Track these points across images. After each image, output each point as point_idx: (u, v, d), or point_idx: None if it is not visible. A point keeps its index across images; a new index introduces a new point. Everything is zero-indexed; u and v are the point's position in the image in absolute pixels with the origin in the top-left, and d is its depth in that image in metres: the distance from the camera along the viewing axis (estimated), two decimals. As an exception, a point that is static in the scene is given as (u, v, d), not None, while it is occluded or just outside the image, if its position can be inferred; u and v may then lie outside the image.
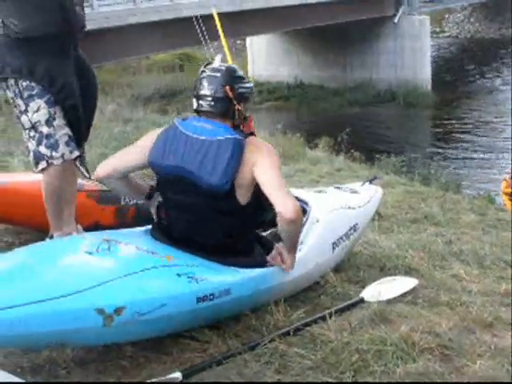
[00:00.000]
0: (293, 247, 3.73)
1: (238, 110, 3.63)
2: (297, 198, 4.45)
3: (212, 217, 3.54)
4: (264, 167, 3.46)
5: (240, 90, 3.63)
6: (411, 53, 43.52)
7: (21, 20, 4.06)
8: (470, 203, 10.76)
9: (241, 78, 3.69)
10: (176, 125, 3.62)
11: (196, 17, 10.86)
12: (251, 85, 3.78)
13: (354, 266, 4.85)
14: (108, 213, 5.04)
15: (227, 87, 3.56)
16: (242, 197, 3.49)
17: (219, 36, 9.79)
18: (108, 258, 3.20)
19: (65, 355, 3.14)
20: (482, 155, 28.91)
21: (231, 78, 3.62)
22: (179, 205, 3.62)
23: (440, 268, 5.52)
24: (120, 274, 3.05)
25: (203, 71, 3.68)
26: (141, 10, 27.32)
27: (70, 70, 4.27)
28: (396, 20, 44.84)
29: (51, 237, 4.34)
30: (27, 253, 3.30)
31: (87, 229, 4.51)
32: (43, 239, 4.27)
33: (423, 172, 16.66)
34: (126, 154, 3.88)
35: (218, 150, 3.43)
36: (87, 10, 17.44)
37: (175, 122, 3.66)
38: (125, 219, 5.02)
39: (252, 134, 7.70)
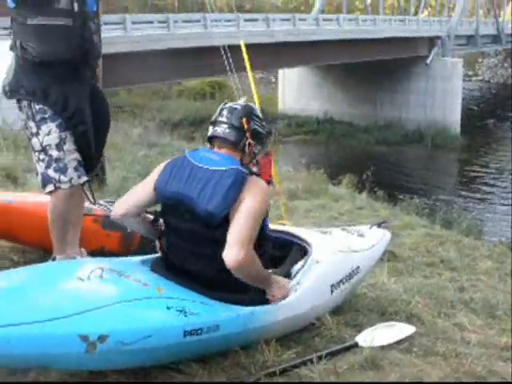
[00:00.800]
0: (262, 285, 3.74)
1: (249, 144, 3.72)
2: (298, 237, 4.47)
3: (207, 246, 3.57)
4: (243, 206, 3.49)
5: (255, 127, 3.76)
6: (442, 94, 43.47)
7: (39, 44, 4.13)
8: (490, 250, 10.63)
9: (259, 118, 3.82)
10: (185, 155, 3.74)
11: (223, 46, 10.87)
12: (268, 129, 3.90)
13: (353, 309, 4.79)
14: (113, 239, 5.04)
15: (244, 119, 3.70)
16: None
17: (250, 66, 9.79)
18: (98, 285, 3.22)
19: (51, 377, 3.18)
20: (506, 202, 28.73)
21: (251, 113, 3.77)
22: (178, 231, 3.68)
23: (444, 315, 5.47)
24: (107, 303, 3.06)
25: (226, 103, 3.86)
26: (174, 35, 27.54)
27: (83, 97, 4.32)
28: (429, 61, 44.91)
29: (54, 259, 4.38)
30: (21, 274, 3.34)
31: (92, 253, 4.54)
32: (47, 259, 4.32)
33: (445, 215, 16.55)
34: (137, 190, 3.94)
35: (219, 179, 3.51)
36: (120, 33, 17.74)
37: (185, 152, 3.77)
38: (130, 246, 5.03)
39: (268, 176, 7.72)
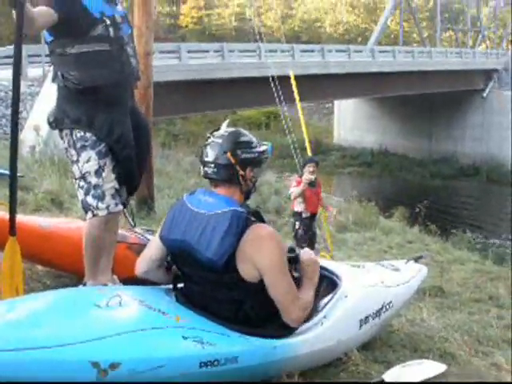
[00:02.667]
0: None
1: (242, 176, 3.62)
2: (328, 270, 4.41)
3: (219, 290, 3.54)
4: (265, 269, 3.45)
5: (244, 156, 3.61)
6: (498, 128, 42.96)
7: (80, 72, 4.20)
8: (541, 288, 10.44)
9: (246, 143, 3.66)
10: (184, 200, 3.70)
11: (273, 77, 10.91)
12: (261, 149, 3.72)
13: (385, 345, 4.70)
14: None
15: (228, 153, 3.57)
16: (248, 274, 3.47)
17: (299, 97, 9.82)
18: (116, 313, 3.23)
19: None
20: None
21: (234, 143, 3.62)
22: (189, 277, 3.67)
23: (482, 354, 5.33)
24: (122, 330, 3.07)
25: (208, 137, 3.72)
26: (228, 65, 27.70)
27: (126, 121, 4.39)
28: (485, 94, 44.46)
29: (84, 284, 4.40)
30: (41, 299, 3.38)
31: (124, 281, 4.55)
32: (81, 284, 4.35)
33: (498, 251, 16.34)
34: (151, 245, 3.96)
35: (215, 224, 3.45)
36: (175, 61, 18.00)
37: (184, 197, 3.73)
38: (164, 274, 5.03)
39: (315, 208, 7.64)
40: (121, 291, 3.43)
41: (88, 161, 4.24)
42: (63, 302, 3.33)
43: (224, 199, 3.57)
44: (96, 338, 2.98)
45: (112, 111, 4.29)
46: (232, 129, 3.74)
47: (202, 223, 3.49)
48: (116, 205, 4.31)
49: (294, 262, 3.86)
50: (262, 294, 3.54)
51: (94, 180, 4.24)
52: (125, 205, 4.61)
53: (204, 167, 3.66)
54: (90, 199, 4.27)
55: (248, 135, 3.72)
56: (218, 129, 3.77)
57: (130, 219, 4.75)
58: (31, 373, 2.83)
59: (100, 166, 4.24)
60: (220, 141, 3.63)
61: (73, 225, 4.91)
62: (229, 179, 3.61)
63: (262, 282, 3.49)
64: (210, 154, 3.61)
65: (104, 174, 4.26)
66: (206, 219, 3.49)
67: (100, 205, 4.24)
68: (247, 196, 3.73)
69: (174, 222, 3.63)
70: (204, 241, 3.44)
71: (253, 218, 3.55)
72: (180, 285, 3.81)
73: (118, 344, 3.01)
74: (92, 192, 4.25)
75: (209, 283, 3.55)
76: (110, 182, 4.29)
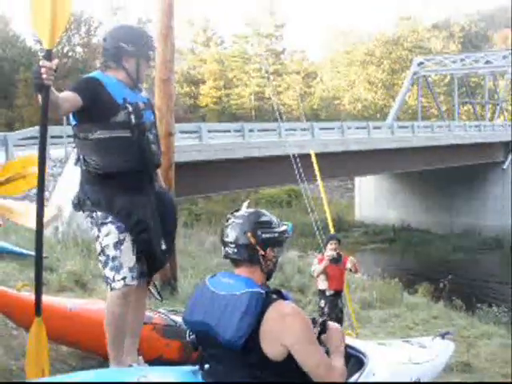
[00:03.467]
0: None
1: (263, 255, 3.60)
2: (355, 349, 4.36)
3: (242, 370, 3.48)
4: (294, 344, 3.41)
5: (264, 236, 3.60)
6: (520, 200, 42.69)
7: (100, 157, 4.31)
8: None
9: (266, 223, 3.66)
10: (205, 282, 3.69)
11: (294, 155, 10.99)
12: (281, 229, 3.71)
13: (415, 422, 4.62)
14: (173, 348, 5.05)
15: (249, 234, 3.57)
16: (273, 352, 3.42)
17: (320, 176, 9.89)
18: None
19: None
20: None
21: (254, 223, 3.61)
22: (213, 358, 3.62)
23: (514, 433, 5.23)
24: None
25: (229, 218, 3.72)
26: (248, 144, 27.94)
27: (147, 205, 4.45)
28: (505, 166, 44.49)
29: (116, 367, 4.39)
30: (70, 380, 3.37)
31: (150, 362, 4.53)
32: (106, 366, 4.33)
33: (525, 324, 16.08)
34: None
35: (234, 305, 3.43)
36: (196, 141, 18.19)
37: (206, 279, 3.71)
38: (189, 355, 4.99)
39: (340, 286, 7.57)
40: (148, 372, 3.40)
41: (108, 234, 4.31)
42: None
43: (244, 280, 3.55)
44: None
45: (131, 195, 4.38)
46: (252, 209, 3.75)
47: (222, 305, 3.48)
48: (133, 278, 4.33)
49: (321, 332, 3.82)
50: (287, 374, 3.49)
51: (112, 252, 4.30)
52: (149, 283, 4.63)
53: (225, 247, 3.64)
54: (107, 271, 4.32)
55: (268, 215, 3.72)
56: (238, 209, 3.77)
57: (157, 294, 4.75)
58: None
59: (119, 240, 4.31)
60: (240, 221, 3.63)
61: (98, 306, 4.91)
62: (249, 259, 3.59)
63: (286, 361, 3.45)
64: (231, 235, 3.60)
65: (122, 247, 4.31)
66: (226, 301, 3.48)
67: (117, 276, 4.28)
68: (269, 276, 3.70)
69: (196, 304, 3.63)
70: (223, 322, 3.42)
71: (274, 296, 3.53)
72: (206, 365, 3.78)
73: None
74: (110, 264, 4.30)
75: (232, 363, 3.51)
76: (128, 254, 4.33)
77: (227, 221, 3.69)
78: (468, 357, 8.82)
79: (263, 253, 3.58)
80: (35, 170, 4.22)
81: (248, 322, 3.35)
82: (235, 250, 3.58)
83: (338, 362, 3.68)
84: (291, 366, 3.46)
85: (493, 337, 11.79)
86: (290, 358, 3.44)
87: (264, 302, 3.41)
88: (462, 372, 7.86)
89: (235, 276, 3.61)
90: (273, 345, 3.39)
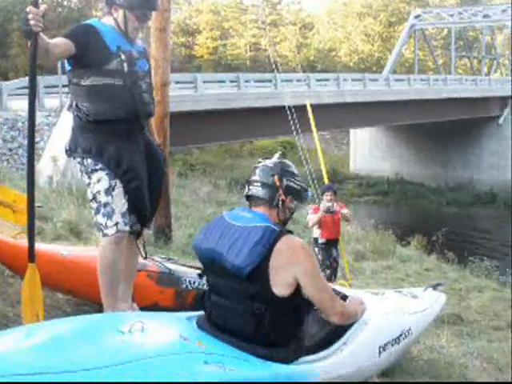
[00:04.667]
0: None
1: (283, 200, 3.76)
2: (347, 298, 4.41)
3: (243, 302, 3.58)
4: (302, 272, 3.57)
5: (288, 183, 3.80)
6: (515, 155, 42.69)
7: (91, 104, 4.30)
8: (560, 317, 10.36)
9: (293, 174, 3.87)
10: (223, 214, 3.83)
11: (289, 106, 10.95)
12: (304, 185, 3.93)
13: (405, 372, 4.68)
14: (167, 295, 5.09)
15: (276, 177, 3.76)
16: (279, 288, 3.53)
17: (315, 126, 9.82)
18: (138, 338, 3.25)
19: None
20: None
21: (282, 170, 3.82)
22: (216, 288, 3.75)
23: (504, 382, 5.30)
24: (145, 356, 3.09)
25: (259, 162, 3.92)
26: (244, 95, 27.80)
27: (137, 154, 4.44)
28: (501, 121, 44.41)
29: (106, 312, 4.41)
30: (65, 324, 3.43)
31: (145, 309, 4.56)
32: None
33: (517, 278, 16.21)
34: None
35: (248, 235, 3.56)
36: (191, 92, 18.05)
37: (223, 214, 3.86)
38: (184, 303, 5.04)
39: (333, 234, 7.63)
40: (143, 317, 3.45)
41: (99, 181, 4.31)
42: (86, 328, 3.36)
43: (260, 216, 3.72)
44: (120, 363, 2.99)
45: (121, 144, 4.37)
46: (282, 159, 3.94)
47: (236, 234, 3.61)
48: (125, 224, 4.34)
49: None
50: (285, 311, 3.59)
51: (104, 198, 4.31)
52: (138, 235, 4.62)
53: (249, 186, 3.84)
54: (99, 218, 4.33)
55: (296, 169, 3.92)
56: (268, 158, 3.97)
57: (142, 250, 4.75)
58: None
59: (110, 186, 4.31)
60: (271, 165, 3.84)
61: (93, 253, 4.91)
62: (270, 201, 3.77)
63: (289, 298, 3.57)
64: (259, 174, 3.82)
65: (114, 193, 4.32)
66: (240, 231, 3.62)
67: (109, 222, 4.29)
68: (283, 225, 3.82)
69: (210, 232, 3.76)
70: (234, 250, 3.55)
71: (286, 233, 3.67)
72: (199, 312, 3.85)
73: (142, 369, 3.02)
74: (102, 210, 4.31)
75: (233, 294, 3.62)
76: (120, 200, 4.34)
77: (257, 164, 3.91)
78: (459, 309, 8.92)
79: (284, 198, 3.77)
80: (24, 208, 4.23)
81: (258, 252, 3.50)
82: (259, 189, 3.79)
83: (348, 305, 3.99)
84: (293, 304, 3.61)
85: (484, 290, 11.92)
86: (293, 296, 3.57)
87: (276, 236, 3.56)
88: (453, 324, 7.95)
89: (253, 211, 3.78)
90: (281, 277, 3.54)
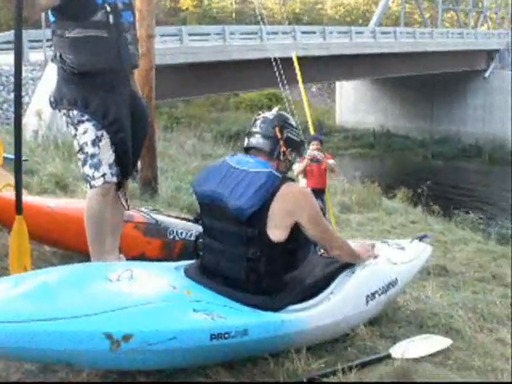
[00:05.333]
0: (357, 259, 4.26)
1: (284, 152, 3.79)
2: None
3: (238, 245, 3.62)
4: (304, 214, 3.66)
5: (289, 135, 3.84)
6: (500, 109, 42.95)
7: (76, 56, 4.25)
8: (544, 267, 10.49)
9: (293, 127, 3.91)
10: (226, 158, 3.87)
11: (275, 59, 10.89)
12: (302, 138, 4.01)
13: (391, 321, 4.72)
14: (154, 246, 5.10)
15: (277, 128, 3.79)
16: (275, 233, 3.59)
17: (301, 78, 9.78)
18: (127, 286, 3.30)
19: (80, 378, 3.25)
20: None
21: (283, 122, 3.86)
22: (212, 231, 3.78)
23: (487, 331, 5.37)
24: (134, 303, 3.14)
25: (259, 114, 3.96)
26: (230, 47, 27.66)
27: (122, 106, 4.41)
28: (487, 74, 44.40)
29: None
30: (53, 273, 3.46)
31: (132, 260, 4.58)
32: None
33: (501, 231, 16.37)
34: None
35: (251, 179, 3.60)
36: (177, 44, 17.82)
37: (226, 157, 3.90)
38: (171, 253, 5.07)
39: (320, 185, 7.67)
40: (131, 266, 3.49)
41: (85, 132, 4.27)
42: (74, 276, 3.40)
43: (264, 163, 3.74)
44: (109, 309, 3.04)
45: (107, 96, 4.32)
46: (283, 112, 3.99)
47: (238, 178, 3.65)
48: (112, 175, 4.33)
49: None
50: (279, 256, 3.65)
51: (90, 150, 4.27)
52: (120, 187, 4.62)
53: (249, 137, 3.87)
54: (86, 169, 4.31)
55: (295, 122, 3.98)
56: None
57: (124, 202, 4.74)
58: (44, 344, 2.89)
59: (97, 137, 4.27)
60: (272, 117, 3.86)
61: (80, 205, 4.90)
62: (270, 152, 3.80)
63: (283, 242, 3.62)
64: (259, 126, 3.84)
65: (101, 144, 4.28)
66: (244, 175, 3.65)
67: (96, 173, 4.27)
68: None
69: (210, 174, 3.80)
70: (236, 193, 3.58)
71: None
72: (192, 261, 3.90)
73: (131, 316, 3.06)
74: (89, 162, 4.29)
75: (229, 237, 3.66)
76: (107, 151, 4.31)
77: (257, 116, 3.94)
78: (444, 261, 9.00)
79: (284, 149, 3.79)
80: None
81: (262, 195, 3.54)
82: (260, 140, 3.82)
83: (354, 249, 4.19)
84: (287, 249, 3.67)
85: (469, 242, 12.01)
86: (287, 242, 3.63)
87: (280, 182, 3.60)
88: (439, 275, 8.01)
89: (256, 158, 3.80)
90: (281, 222, 3.59)
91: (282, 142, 3.78)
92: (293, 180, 3.83)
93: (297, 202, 3.63)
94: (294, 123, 3.93)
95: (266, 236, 3.57)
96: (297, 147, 3.90)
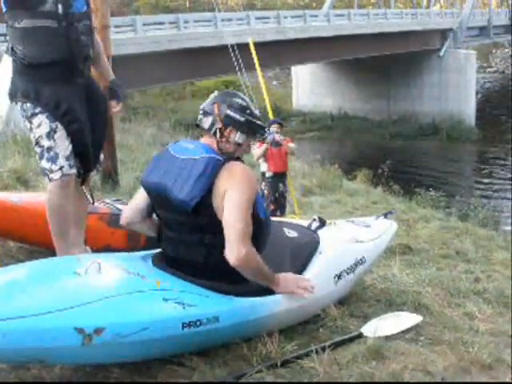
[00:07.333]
0: (266, 281, 3.71)
1: (220, 129, 3.69)
2: (302, 227, 4.46)
3: (192, 233, 3.61)
4: (229, 201, 3.50)
5: (228, 112, 3.71)
6: (456, 87, 43.38)
7: (25, 47, 4.20)
8: (506, 240, 10.64)
9: (238, 105, 3.76)
10: (168, 147, 3.82)
11: (232, 45, 10.87)
12: (255, 121, 3.80)
13: (360, 300, 4.77)
14: (119, 236, 5.05)
15: (215, 104, 3.71)
16: (221, 211, 3.53)
17: (258, 64, 9.77)
18: (96, 279, 3.25)
19: (52, 373, 3.23)
20: (523, 192, 28.51)
21: (226, 99, 3.77)
22: (166, 221, 3.77)
23: (455, 306, 5.41)
24: (104, 296, 3.09)
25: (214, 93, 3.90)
26: (184, 35, 27.58)
27: (75, 97, 4.35)
28: (441, 53, 44.78)
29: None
30: (19, 270, 3.39)
31: (98, 251, 4.54)
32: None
33: (461, 207, 16.53)
34: (136, 196, 4.04)
35: (191, 168, 3.54)
36: (131, 34, 17.68)
37: (169, 145, 3.85)
38: (136, 243, 5.03)
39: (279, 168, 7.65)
40: (99, 258, 3.45)
41: (39, 125, 4.22)
42: (41, 272, 3.33)
43: (203, 147, 3.68)
44: (79, 304, 2.99)
45: (59, 87, 4.27)
46: (237, 92, 3.94)
47: (180, 167, 3.60)
48: (70, 166, 4.27)
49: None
50: None
51: (46, 143, 4.22)
52: (83, 181, 4.58)
53: (199, 115, 3.80)
54: (44, 163, 4.25)
55: (247, 103, 3.82)
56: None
57: (89, 196, 4.70)
58: (16, 342, 2.84)
59: (51, 129, 4.22)
60: (217, 94, 3.82)
61: (43, 198, 4.87)
62: (209, 129, 3.72)
63: None
64: (205, 103, 3.77)
65: (56, 136, 4.23)
66: (184, 164, 3.59)
67: (54, 167, 4.22)
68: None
69: (155, 166, 3.74)
70: (179, 184, 3.53)
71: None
72: (159, 249, 3.87)
73: (101, 309, 3.03)
74: (46, 155, 4.23)
75: (182, 227, 3.64)
76: (62, 144, 4.25)
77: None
78: (408, 239, 9.07)
79: (220, 126, 3.68)
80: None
81: (202, 183, 3.48)
82: (202, 117, 3.76)
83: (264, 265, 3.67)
84: None
85: (431, 220, 12.10)
86: None
87: (220, 166, 3.53)
88: (403, 254, 8.06)
89: (196, 142, 3.77)
90: (221, 201, 3.51)
91: (218, 119, 3.68)
92: (241, 160, 3.75)
93: (232, 176, 3.53)
94: (241, 102, 3.77)
95: (216, 220, 3.52)
96: (241, 128, 3.72)
